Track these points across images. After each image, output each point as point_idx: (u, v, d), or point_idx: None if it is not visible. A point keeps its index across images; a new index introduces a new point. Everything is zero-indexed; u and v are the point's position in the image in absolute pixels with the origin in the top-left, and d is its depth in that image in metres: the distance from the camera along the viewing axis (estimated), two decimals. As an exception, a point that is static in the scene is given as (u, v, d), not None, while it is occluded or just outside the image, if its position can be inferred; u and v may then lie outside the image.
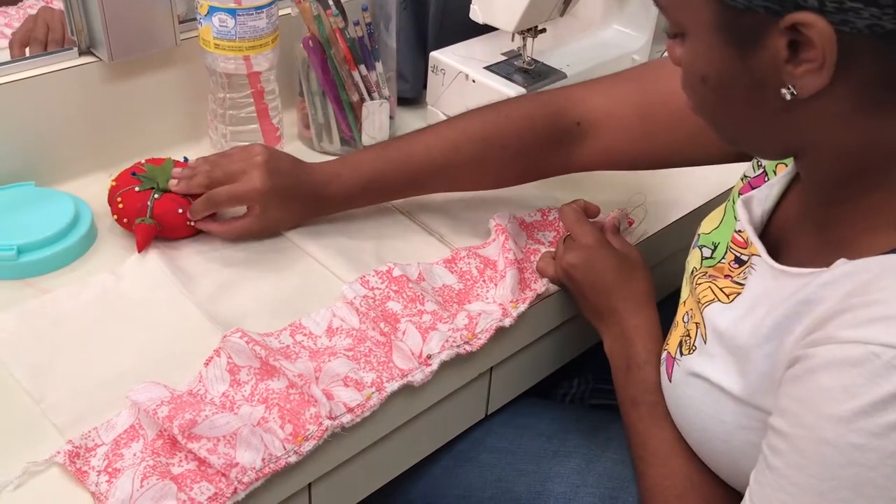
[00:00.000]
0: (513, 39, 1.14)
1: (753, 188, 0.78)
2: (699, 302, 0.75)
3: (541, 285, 0.90)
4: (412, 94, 1.22)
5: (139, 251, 0.91)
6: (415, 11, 1.18)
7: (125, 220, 0.92)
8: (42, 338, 0.81)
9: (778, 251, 0.72)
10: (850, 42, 0.55)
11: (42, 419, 0.74)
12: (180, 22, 1.03)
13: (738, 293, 0.72)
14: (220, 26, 0.98)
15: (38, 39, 1.03)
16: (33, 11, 1.06)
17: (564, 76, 1.15)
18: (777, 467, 0.59)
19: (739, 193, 0.79)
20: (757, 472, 0.62)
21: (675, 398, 0.77)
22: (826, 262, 0.62)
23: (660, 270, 0.97)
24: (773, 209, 0.76)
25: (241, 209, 0.94)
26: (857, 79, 0.57)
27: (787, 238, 0.73)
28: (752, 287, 0.71)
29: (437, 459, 0.94)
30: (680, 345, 0.77)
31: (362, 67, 1.07)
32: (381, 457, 0.83)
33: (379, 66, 1.08)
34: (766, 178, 0.78)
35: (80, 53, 1.00)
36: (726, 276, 0.75)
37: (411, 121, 1.17)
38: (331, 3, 1.04)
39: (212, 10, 0.97)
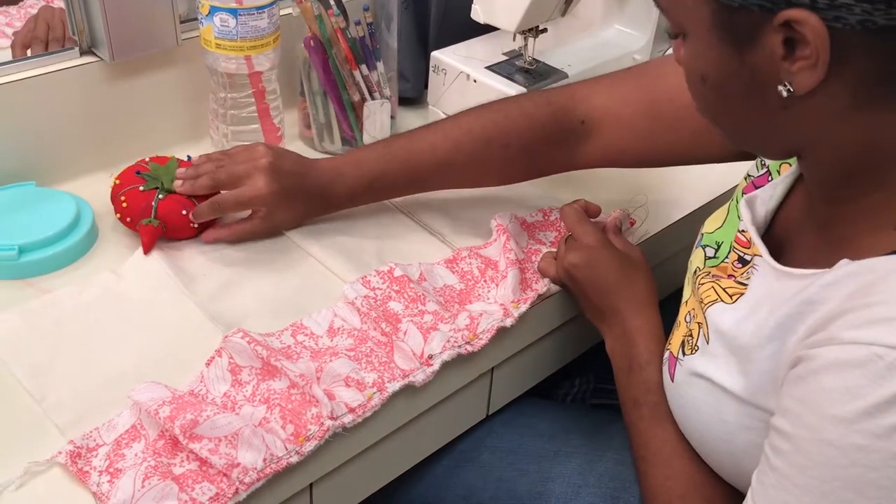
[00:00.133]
0: (514, 39, 1.14)
1: (757, 188, 0.78)
2: (702, 302, 0.75)
3: (542, 285, 0.90)
4: (413, 93, 1.22)
5: (145, 252, 0.91)
6: (416, 11, 1.18)
7: (128, 218, 0.92)
8: (43, 338, 0.81)
9: (781, 251, 0.72)
10: (843, 38, 0.55)
11: (43, 419, 0.74)
12: (181, 22, 1.03)
13: (741, 293, 0.72)
14: (222, 26, 0.98)
15: (39, 39, 1.03)
16: (34, 11, 1.06)
17: (566, 76, 1.15)
18: (779, 468, 0.59)
19: (743, 193, 0.79)
20: (759, 472, 0.62)
21: (678, 398, 0.77)
22: (828, 262, 0.62)
23: (661, 270, 0.97)
24: (776, 209, 0.76)
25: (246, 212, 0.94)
26: (852, 75, 0.57)
27: (790, 238, 0.73)
28: (754, 287, 0.71)
29: (439, 459, 0.94)
30: (682, 345, 0.77)
31: (363, 67, 1.07)
32: (383, 457, 0.83)
33: (380, 65, 1.08)
34: (769, 178, 0.78)
35: (82, 53, 1.00)
36: (729, 276, 0.75)
37: (412, 120, 1.17)
38: (332, 2, 1.04)
39: (213, 10, 0.97)
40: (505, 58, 1.16)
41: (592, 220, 0.94)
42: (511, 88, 1.09)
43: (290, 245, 0.95)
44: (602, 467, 0.88)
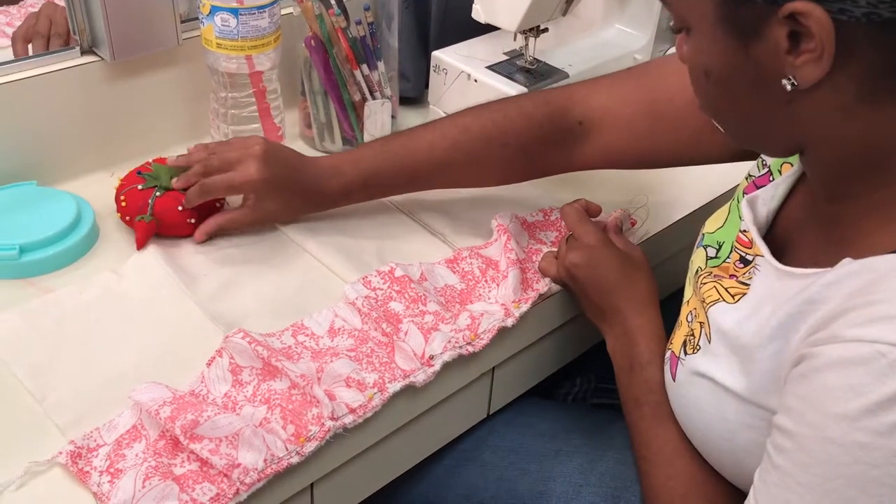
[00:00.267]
0: (515, 39, 1.14)
1: (758, 187, 0.78)
2: (704, 301, 0.75)
3: (543, 285, 0.90)
4: (414, 93, 1.22)
5: (138, 248, 0.91)
6: (417, 11, 1.18)
7: (127, 217, 0.92)
8: (44, 337, 0.81)
9: (783, 251, 0.72)
10: (848, 31, 0.55)
11: (44, 419, 0.74)
12: (182, 21, 1.03)
13: (744, 293, 0.71)
14: (223, 26, 0.98)
15: (40, 33, 1.03)
16: (35, 10, 1.06)
17: (566, 76, 1.15)
18: (782, 466, 0.59)
19: (744, 193, 0.79)
20: (761, 470, 0.62)
21: (679, 397, 0.77)
22: (831, 261, 0.62)
23: (662, 270, 0.97)
24: (778, 209, 0.76)
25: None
26: (857, 68, 0.57)
27: (792, 238, 0.73)
28: (756, 287, 0.71)
29: (440, 459, 0.94)
30: (684, 344, 0.77)
31: (364, 67, 1.07)
32: (384, 457, 0.83)
33: (381, 65, 1.08)
34: (770, 178, 0.78)
35: (82, 53, 1.00)
36: (731, 276, 0.75)
37: (413, 120, 1.17)
38: (333, 2, 1.04)
39: (214, 10, 0.97)
40: (506, 57, 1.16)
41: (593, 219, 0.93)
42: (512, 88, 1.09)
43: (290, 245, 0.95)
44: (603, 467, 0.88)
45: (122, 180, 0.95)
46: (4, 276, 0.87)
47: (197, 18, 1.00)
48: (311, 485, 0.77)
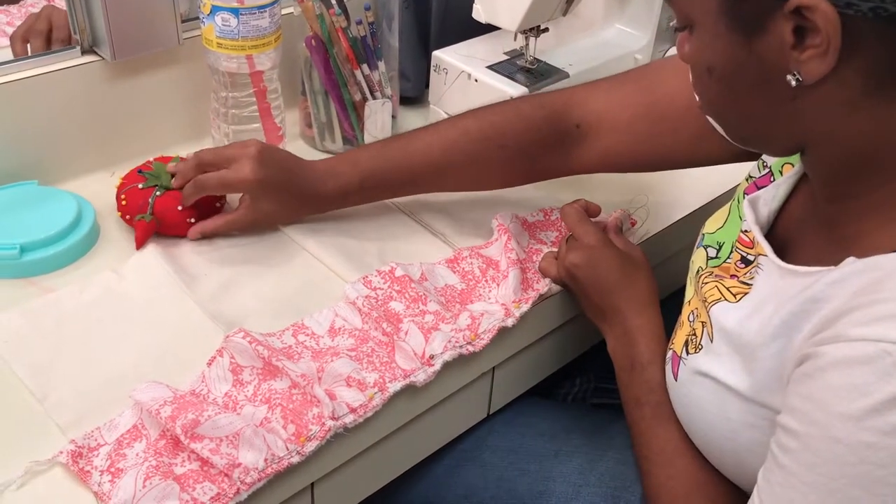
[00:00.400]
0: (515, 39, 1.14)
1: (759, 188, 0.78)
2: (705, 301, 0.75)
3: (543, 285, 0.90)
4: (414, 93, 1.22)
5: (137, 247, 0.91)
6: (417, 10, 1.18)
7: (127, 216, 0.92)
8: (45, 337, 0.81)
9: (785, 251, 0.72)
10: (854, 25, 0.55)
11: (45, 419, 0.74)
12: (183, 21, 1.03)
13: (745, 293, 0.71)
14: (223, 25, 0.98)
15: (39, 32, 1.03)
16: (35, 10, 1.06)
17: (567, 76, 1.15)
18: (787, 465, 0.59)
19: (745, 193, 0.79)
20: (765, 470, 0.62)
21: (681, 397, 0.77)
22: (834, 260, 0.61)
23: (662, 270, 0.97)
24: (779, 209, 0.76)
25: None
26: (863, 63, 0.57)
27: (793, 238, 0.73)
28: (759, 286, 0.71)
29: (439, 459, 0.94)
30: (686, 344, 0.77)
31: (365, 67, 1.07)
32: (384, 457, 0.83)
33: (381, 65, 1.09)
34: (772, 179, 0.78)
35: (83, 52, 1.00)
36: (732, 276, 0.75)
37: (414, 120, 1.17)
38: (333, 2, 1.04)
39: (214, 10, 0.97)
40: (506, 57, 1.16)
41: (593, 219, 0.94)
42: (512, 88, 1.09)
43: (291, 245, 0.95)
44: (603, 467, 0.88)
45: (122, 179, 0.95)
46: (5, 275, 0.87)
47: (197, 18, 1.00)
48: (312, 484, 0.77)
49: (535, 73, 1.14)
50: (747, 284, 0.72)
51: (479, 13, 1.11)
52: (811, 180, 0.71)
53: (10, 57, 0.97)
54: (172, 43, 1.03)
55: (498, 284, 0.89)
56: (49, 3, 1.05)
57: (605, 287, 0.87)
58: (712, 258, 0.80)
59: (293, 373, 0.75)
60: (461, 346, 0.82)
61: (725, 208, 0.83)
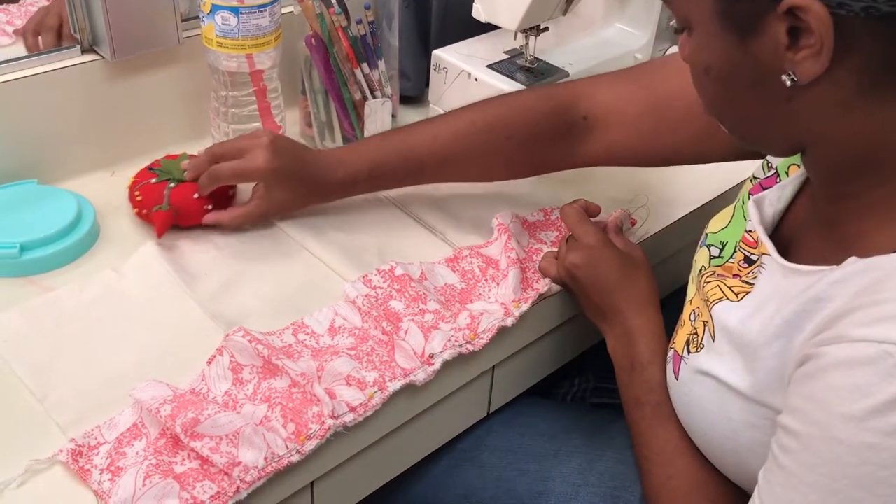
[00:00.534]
0: (515, 38, 1.14)
1: (765, 189, 0.78)
2: (707, 300, 0.75)
3: (543, 285, 0.90)
4: (414, 92, 1.22)
5: (158, 237, 0.91)
6: (417, 10, 1.18)
7: (144, 211, 0.93)
8: (45, 336, 0.81)
9: (788, 251, 0.72)
10: (847, 25, 0.55)
11: (45, 417, 0.74)
12: (183, 20, 1.03)
13: (748, 292, 0.71)
14: (223, 24, 0.98)
15: (50, 27, 1.03)
16: (34, 9, 1.06)
17: (567, 75, 1.15)
18: (787, 466, 0.59)
19: (750, 194, 0.79)
20: (766, 470, 0.62)
21: (682, 396, 0.77)
22: (836, 260, 0.61)
23: (662, 269, 0.97)
24: (784, 211, 0.76)
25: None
26: (857, 63, 0.57)
27: (796, 238, 0.73)
28: (761, 286, 0.71)
29: (439, 459, 0.94)
30: (687, 343, 0.77)
31: (365, 66, 1.07)
32: (383, 456, 0.83)
33: (381, 64, 1.09)
34: (777, 179, 0.78)
35: (83, 51, 1.00)
36: (735, 276, 0.75)
37: (413, 119, 1.17)
38: (333, 1, 1.04)
39: (215, 9, 0.97)
40: (506, 56, 1.16)
41: (593, 219, 0.94)
42: (512, 87, 1.09)
43: (291, 244, 0.95)
44: (602, 466, 0.88)
45: (133, 178, 0.95)
46: (5, 274, 0.87)
47: (197, 17, 1.00)
48: (312, 483, 0.77)
49: (535, 72, 1.14)
50: (749, 284, 0.72)
51: (479, 12, 1.11)
52: (811, 180, 0.71)
53: (11, 55, 0.97)
54: (172, 42, 1.03)
55: (498, 284, 0.89)
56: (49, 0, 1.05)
57: (605, 287, 0.87)
58: (715, 257, 0.80)
59: (293, 372, 0.75)
60: (461, 346, 0.82)
61: (730, 208, 0.83)
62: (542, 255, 0.93)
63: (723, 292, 0.74)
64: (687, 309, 0.81)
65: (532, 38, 1.14)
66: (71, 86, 0.99)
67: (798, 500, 0.58)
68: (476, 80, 1.11)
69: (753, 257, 0.74)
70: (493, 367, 0.90)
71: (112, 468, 0.69)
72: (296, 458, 0.71)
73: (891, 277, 0.57)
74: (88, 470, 0.69)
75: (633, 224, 0.99)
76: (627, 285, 0.86)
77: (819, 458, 0.57)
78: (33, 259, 0.87)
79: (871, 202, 0.63)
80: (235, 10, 0.97)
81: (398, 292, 0.86)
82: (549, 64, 1.16)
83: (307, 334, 0.82)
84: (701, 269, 0.81)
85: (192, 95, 1.08)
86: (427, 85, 1.19)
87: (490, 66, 1.13)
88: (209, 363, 0.78)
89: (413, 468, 0.90)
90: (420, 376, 0.79)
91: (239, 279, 0.89)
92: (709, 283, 0.76)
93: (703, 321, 0.75)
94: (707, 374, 0.72)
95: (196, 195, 0.93)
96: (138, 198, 0.93)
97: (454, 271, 0.91)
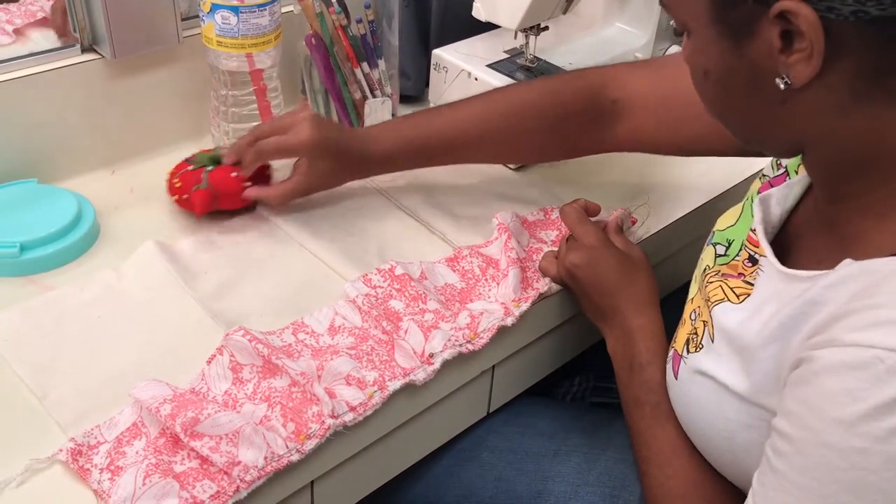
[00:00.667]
0: (515, 37, 1.14)
1: (773, 187, 0.78)
2: (708, 300, 0.75)
3: (543, 284, 0.90)
4: (414, 91, 1.22)
5: (199, 214, 0.94)
6: (417, 9, 1.18)
7: (185, 196, 0.94)
8: (45, 335, 0.81)
9: (791, 252, 0.72)
10: (838, 29, 0.56)
11: (45, 417, 0.74)
12: (183, 19, 1.03)
13: (748, 294, 0.71)
14: (223, 24, 0.98)
15: None
16: (34, 8, 1.06)
17: (567, 74, 1.15)
18: (780, 469, 0.59)
19: (759, 192, 0.79)
20: (760, 473, 0.62)
21: (681, 395, 0.77)
22: (833, 263, 0.61)
23: (663, 269, 0.97)
24: (791, 210, 0.76)
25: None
26: (850, 67, 0.58)
27: (800, 239, 0.73)
28: (760, 288, 0.71)
29: (439, 458, 0.94)
30: (687, 342, 0.77)
31: (365, 65, 1.07)
32: (383, 455, 0.83)
33: (381, 63, 1.09)
34: (787, 178, 0.78)
35: (83, 51, 1.00)
36: (739, 275, 0.75)
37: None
38: (333, 0, 1.04)
39: (214, 8, 0.97)
40: (506, 56, 1.16)
41: (593, 219, 0.94)
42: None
43: (291, 243, 0.95)
44: (602, 466, 0.88)
45: (171, 171, 0.97)
46: (5, 273, 0.87)
47: (197, 16, 1.00)
48: (312, 483, 0.77)
49: (536, 71, 1.14)
50: (751, 285, 0.72)
51: (480, 11, 1.11)
52: (812, 181, 0.71)
53: (11, 55, 0.97)
54: (172, 41, 1.03)
55: (498, 283, 0.89)
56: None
57: (605, 287, 0.87)
58: (720, 255, 0.80)
59: (293, 371, 0.75)
60: (461, 345, 0.82)
61: (738, 206, 0.83)
62: (542, 254, 0.93)
63: (724, 293, 0.74)
64: (688, 308, 0.81)
65: (532, 38, 1.14)
66: (71, 85, 0.99)
67: (790, 503, 0.58)
68: (476, 79, 1.11)
69: (756, 257, 0.74)
70: (493, 366, 0.90)
71: (112, 467, 0.69)
72: (296, 457, 0.71)
73: (885, 281, 0.57)
74: (88, 469, 0.69)
75: (634, 223, 0.99)
76: (627, 285, 0.86)
77: (810, 462, 0.57)
78: (33, 258, 0.88)
79: (870, 203, 0.63)
80: (235, 10, 0.97)
81: (398, 292, 0.86)
82: (549, 63, 1.16)
83: (307, 334, 0.82)
84: (705, 269, 0.81)
85: (191, 94, 1.08)
86: (427, 84, 1.19)
87: (490, 66, 1.13)
88: (209, 362, 0.78)
89: (413, 468, 0.90)
90: (420, 376, 0.79)
91: (239, 278, 0.89)
92: (711, 283, 0.76)
93: (704, 321, 0.75)
94: (705, 374, 0.72)
95: (234, 174, 0.94)
96: (177, 184, 0.94)
97: (454, 271, 0.91)
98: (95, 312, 0.84)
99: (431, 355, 0.80)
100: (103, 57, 1.00)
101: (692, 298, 0.81)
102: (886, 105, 0.59)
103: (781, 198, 0.76)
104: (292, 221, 0.97)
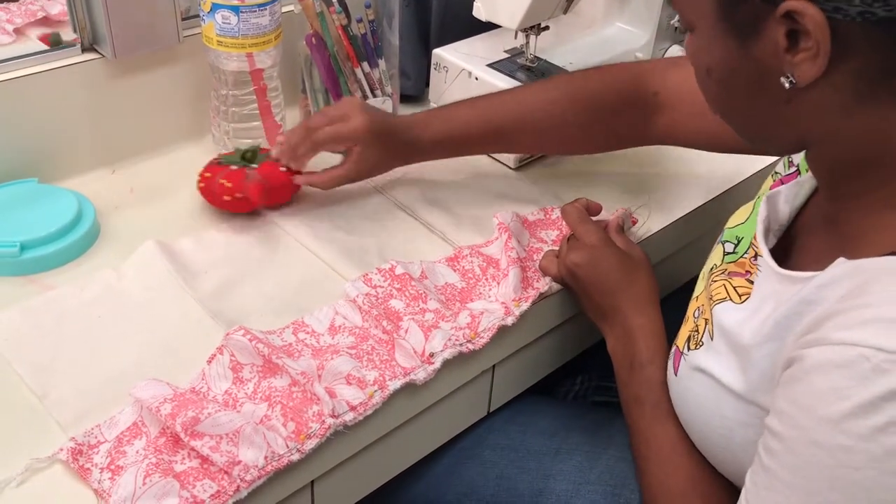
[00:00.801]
0: (515, 37, 1.14)
1: (784, 185, 0.78)
2: (711, 299, 0.75)
3: (543, 284, 0.90)
4: (415, 91, 1.22)
5: (256, 204, 0.95)
6: (418, 8, 1.18)
7: (238, 194, 0.94)
8: (45, 335, 0.81)
9: (793, 251, 0.72)
10: (844, 30, 0.56)
11: (45, 416, 0.74)
12: (183, 19, 1.03)
13: (749, 293, 0.72)
14: (223, 23, 0.98)
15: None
16: (34, 7, 1.06)
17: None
18: (771, 468, 0.59)
19: (770, 190, 0.80)
20: (752, 471, 0.62)
21: (680, 392, 0.77)
22: (831, 262, 0.62)
23: (663, 269, 0.97)
24: (801, 208, 0.76)
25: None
26: (855, 67, 0.58)
27: (803, 237, 0.74)
28: (759, 287, 0.71)
29: (439, 457, 0.94)
30: (688, 339, 0.77)
31: (365, 65, 1.07)
32: (384, 455, 0.83)
33: (382, 63, 1.09)
34: (798, 176, 0.78)
35: (84, 50, 1.00)
36: (746, 272, 0.75)
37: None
38: (334, 0, 1.04)
39: (215, 7, 0.97)
40: (506, 55, 1.16)
41: (594, 218, 0.94)
42: (513, 86, 1.09)
43: (291, 243, 0.95)
44: (603, 465, 0.88)
45: (202, 174, 0.96)
46: (5, 273, 0.87)
47: (198, 16, 1.00)
48: (312, 482, 0.77)
49: (536, 71, 1.14)
50: (752, 284, 0.72)
51: (480, 11, 1.11)
52: (816, 179, 0.71)
53: (11, 54, 0.97)
54: (173, 41, 1.03)
55: (498, 283, 0.89)
56: None
57: (605, 286, 0.87)
58: (729, 253, 0.80)
59: (293, 370, 0.75)
60: (461, 345, 0.82)
61: (750, 204, 0.83)
62: (542, 254, 0.93)
63: (727, 292, 0.74)
64: (692, 305, 0.81)
65: (532, 37, 1.14)
66: (71, 85, 0.99)
67: (780, 501, 0.58)
68: (476, 78, 1.11)
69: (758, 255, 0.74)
70: (494, 366, 0.90)
71: (112, 467, 0.69)
72: (296, 456, 0.71)
73: (875, 280, 0.57)
74: (88, 468, 0.69)
75: (634, 223, 0.99)
76: (628, 285, 0.86)
77: (800, 461, 0.57)
78: (33, 258, 0.87)
79: (871, 202, 0.63)
80: (236, 9, 0.97)
81: (398, 291, 0.86)
82: (549, 63, 1.16)
83: (307, 333, 0.82)
84: (713, 267, 0.81)
85: (192, 94, 1.08)
86: (427, 84, 1.19)
87: (490, 65, 1.13)
88: (209, 362, 0.78)
89: (414, 466, 0.90)
90: (420, 375, 0.79)
91: (239, 278, 0.89)
92: (716, 281, 0.77)
93: (705, 319, 0.75)
94: (704, 371, 0.72)
95: (283, 168, 0.95)
96: (227, 184, 0.94)
97: (454, 270, 0.91)
98: (95, 312, 0.84)
99: (432, 355, 0.80)
100: (103, 56, 1.00)
101: (697, 296, 0.81)
102: (892, 105, 0.59)
103: (790, 196, 0.76)
104: (292, 221, 0.97)
